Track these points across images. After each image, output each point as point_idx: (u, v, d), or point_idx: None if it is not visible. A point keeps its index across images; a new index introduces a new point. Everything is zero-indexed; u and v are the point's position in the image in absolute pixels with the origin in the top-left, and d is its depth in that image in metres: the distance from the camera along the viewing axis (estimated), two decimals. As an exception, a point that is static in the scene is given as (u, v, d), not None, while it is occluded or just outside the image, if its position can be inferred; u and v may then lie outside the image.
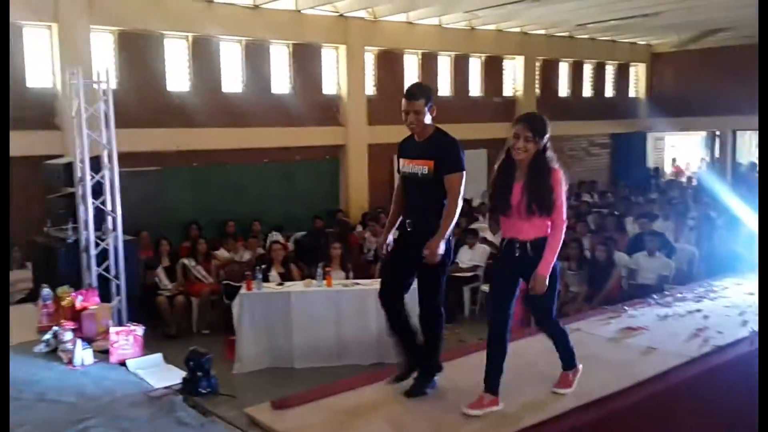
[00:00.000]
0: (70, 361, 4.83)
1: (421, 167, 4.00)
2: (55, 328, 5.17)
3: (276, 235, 10.17)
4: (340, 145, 12.40)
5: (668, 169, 19.71)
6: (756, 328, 4.92)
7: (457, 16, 12.98)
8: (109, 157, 6.70)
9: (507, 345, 4.00)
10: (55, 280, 6.04)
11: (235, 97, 11.07)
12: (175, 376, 4.49)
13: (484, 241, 9.53)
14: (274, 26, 11.16)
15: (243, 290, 7.17)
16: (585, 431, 3.93)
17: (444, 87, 14.09)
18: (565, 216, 3.78)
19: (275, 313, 7.04)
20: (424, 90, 4.05)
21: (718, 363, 4.68)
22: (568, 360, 4.17)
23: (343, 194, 12.59)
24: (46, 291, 5.69)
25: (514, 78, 15.45)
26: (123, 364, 4.80)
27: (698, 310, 5.75)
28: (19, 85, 9.05)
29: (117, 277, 6.68)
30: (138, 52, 10.04)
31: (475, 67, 14.65)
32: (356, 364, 6.81)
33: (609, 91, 17.97)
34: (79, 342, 4.91)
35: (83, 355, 4.84)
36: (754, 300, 5.50)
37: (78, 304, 5.46)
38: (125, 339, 4.89)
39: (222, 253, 9.57)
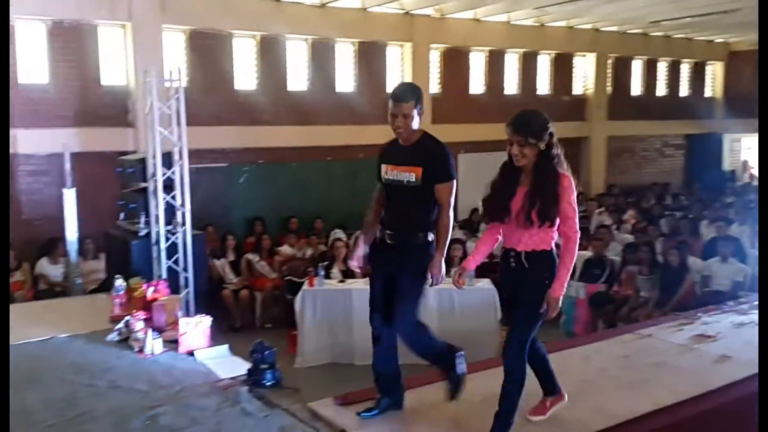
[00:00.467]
0: (141, 350, 4.99)
1: (407, 174, 3.66)
2: (127, 317, 5.35)
3: (338, 233, 10.21)
4: (404, 143, 12.34)
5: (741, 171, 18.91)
6: None
7: (525, 13, 12.75)
8: (180, 153, 6.86)
9: (541, 350, 3.74)
10: (127, 272, 6.24)
11: (301, 96, 11.18)
12: (241, 367, 4.59)
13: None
14: (340, 25, 11.21)
15: (305, 286, 7.23)
16: (654, 438, 3.79)
17: (511, 85, 13.86)
18: (577, 227, 3.39)
19: (336, 309, 7.07)
20: (414, 91, 3.69)
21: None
22: (548, 385, 3.79)
23: (406, 192, 12.52)
24: (119, 282, 5.88)
25: (584, 76, 15.07)
26: (191, 354, 4.93)
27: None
28: (94, 84, 9.38)
29: (185, 269, 6.84)
30: (207, 51, 10.25)
31: (544, 64, 14.35)
32: (416, 363, 6.74)
33: (684, 91, 17.33)
34: (150, 332, 5.07)
35: (154, 344, 4.99)
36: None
37: (149, 295, 5.64)
38: (193, 330, 5.01)
39: (285, 249, 9.69)
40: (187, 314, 5.97)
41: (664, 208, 12.65)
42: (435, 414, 3.95)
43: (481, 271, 8.06)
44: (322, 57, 11.35)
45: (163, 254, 6.69)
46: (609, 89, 15.37)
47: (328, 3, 10.86)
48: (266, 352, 4.39)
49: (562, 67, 14.59)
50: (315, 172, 11.48)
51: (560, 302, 3.37)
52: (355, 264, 3.97)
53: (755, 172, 18.45)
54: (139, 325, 5.18)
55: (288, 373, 6.20)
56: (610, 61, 15.36)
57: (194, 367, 4.75)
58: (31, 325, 5.83)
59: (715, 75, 18.04)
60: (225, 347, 5.08)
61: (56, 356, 5.10)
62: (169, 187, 6.80)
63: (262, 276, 9.01)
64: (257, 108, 10.69)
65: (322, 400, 4.10)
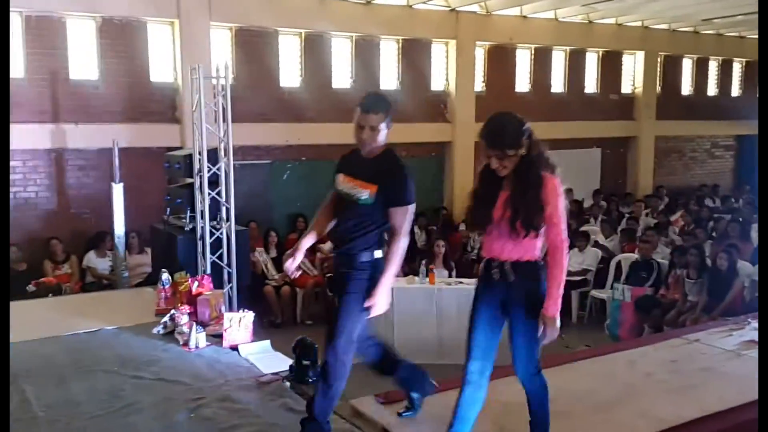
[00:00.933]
0: (186, 344, 5.06)
1: (361, 191, 3.42)
2: (172, 311, 5.42)
3: (380, 231, 10.20)
4: (447, 142, 12.28)
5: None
6: None
7: (573, 10, 12.53)
8: (225, 150, 6.92)
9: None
10: (173, 266, 6.33)
11: (344, 93, 11.18)
12: (283, 363, 4.63)
13: (596, 244, 9.14)
14: (385, 22, 11.18)
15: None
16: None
17: (558, 83, 13.63)
18: (565, 234, 3.09)
19: (377, 307, 7.04)
20: (385, 103, 3.45)
21: None
22: (540, 423, 3.47)
23: (447, 192, 12.46)
24: (165, 276, 5.97)
25: (633, 74, 14.74)
26: (234, 348, 4.98)
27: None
28: (143, 80, 9.54)
29: (229, 265, 6.90)
30: (253, 48, 10.34)
31: (592, 62, 14.09)
32: (457, 364, 6.68)
33: (735, 90, 16.81)
34: (194, 326, 5.13)
35: (198, 338, 5.06)
36: None
37: (193, 290, 5.70)
38: (237, 325, 5.05)
39: (326, 246, 9.71)
40: (230, 309, 6.02)
41: (713, 210, 12.32)
42: (478, 415, 3.89)
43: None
44: (365, 54, 11.35)
45: (208, 249, 6.77)
46: (658, 88, 15.02)
47: (372, 0, 10.85)
48: (309, 349, 4.41)
49: (610, 65, 14.30)
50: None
51: (557, 321, 3.08)
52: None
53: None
54: (183, 319, 5.25)
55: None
56: (659, 60, 14.99)
57: (237, 361, 4.80)
58: (79, 317, 5.96)
59: (769, 74, 17.45)
60: (267, 343, 5.11)
61: (103, 348, 5.20)
62: (214, 183, 6.87)
63: (303, 273, 9.05)
64: (301, 105, 10.74)
65: (364, 398, 4.10)
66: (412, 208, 3.46)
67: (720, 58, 16.23)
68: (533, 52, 13.18)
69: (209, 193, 6.80)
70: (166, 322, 5.42)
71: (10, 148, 8.52)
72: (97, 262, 8.61)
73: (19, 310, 6.53)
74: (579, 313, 8.57)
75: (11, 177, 8.62)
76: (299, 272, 3.75)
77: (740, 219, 10.44)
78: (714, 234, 9.79)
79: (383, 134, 3.43)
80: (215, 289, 5.94)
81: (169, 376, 4.55)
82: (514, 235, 3.06)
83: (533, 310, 3.10)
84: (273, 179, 10.75)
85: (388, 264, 3.42)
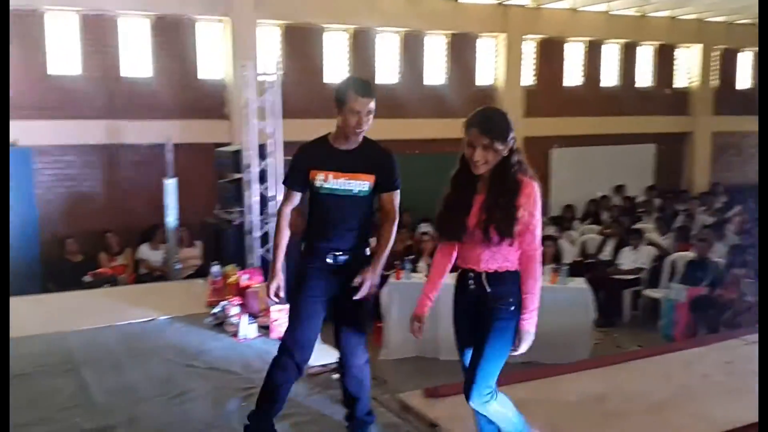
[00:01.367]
0: (236, 335, 5.15)
1: (359, 183, 3.29)
2: (223, 303, 5.52)
3: (425, 227, 10.15)
4: (494, 137, 12.13)
5: None
6: None
7: (626, 2, 12.23)
8: (274, 145, 6.99)
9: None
10: (222, 259, 6.44)
11: (390, 89, 11.17)
12: (330, 355, 4.64)
13: (650, 242, 8.92)
14: (432, 16, 11.13)
15: (392, 279, 7.22)
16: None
17: (610, 77, 13.35)
18: (539, 242, 2.89)
19: (423, 303, 7.00)
20: (374, 88, 3.37)
21: None
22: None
23: (495, 188, 12.32)
24: (215, 268, 6.08)
25: (688, 68, 14.34)
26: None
27: None
28: (193, 77, 9.71)
29: (279, 258, 6.96)
30: (301, 44, 10.41)
31: (645, 56, 13.75)
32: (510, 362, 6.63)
33: (797, 83, 16.17)
34: (244, 317, 5.21)
35: (248, 329, 5.15)
36: None
37: (243, 282, 5.79)
38: (284, 317, 5.09)
39: (373, 241, 9.72)
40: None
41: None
42: (529, 413, 3.84)
43: (576, 271, 7.84)
44: (412, 50, 11.32)
45: (257, 243, 6.85)
46: (714, 82, 14.57)
47: (419, -5, 10.82)
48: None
49: (665, 59, 13.94)
50: (402, 165, 11.34)
51: (532, 336, 2.89)
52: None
53: None
54: (234, 311, 5.34)
55: (374, 364, 6.23)
56: (716, 53, 14.54)
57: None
58: (133, 307, 6.12)
59: (833, 67, 16.76)
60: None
61: (157, 337, 5.33)
62: (262, 178, 6.95)
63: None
64: (348, 101, 10.76)
65: (412, 392, 4.10)
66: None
67: (781, 50, 15.65)
68: (585, 45, 12.94)
69: (258, 188, 6.88)
70: (216, 313, 5.52)
71: (67, 143, 8.82)
72: (150, 254, 8.81)
73: (76, 299, 6.78)
74: (631, 313, 8.37)
75: (67, 171, 8.89)
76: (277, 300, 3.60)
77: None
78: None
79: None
80: (264, 282, 6.01)
81: (220, 366, 4.67)
82: (488, 242, 2.83)
83: (506, 324, 2.89)
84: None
85: (380, 251, 3.37)
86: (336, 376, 4.41)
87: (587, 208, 12.09)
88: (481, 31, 11.78)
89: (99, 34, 8.99)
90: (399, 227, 10.94)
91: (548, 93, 12.46)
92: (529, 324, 2.88)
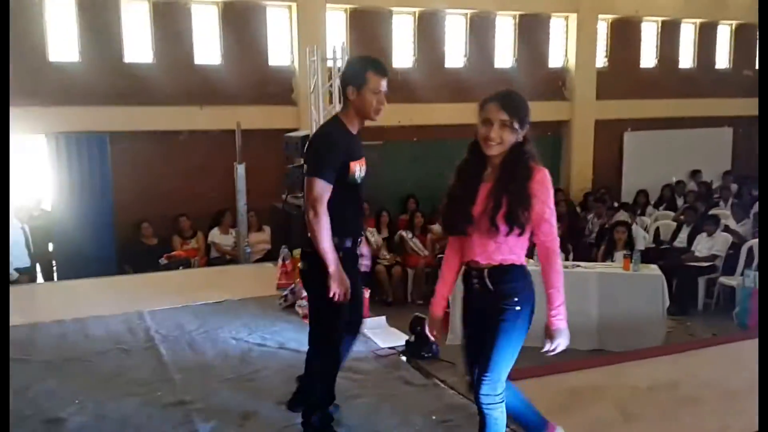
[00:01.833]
0: (306, 316, 5.22)
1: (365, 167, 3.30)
2: (293, 285, 5.63)
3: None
4: (565, 120, 11.88)
5: None
6: None
7: (704, -20, 11.76)
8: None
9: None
10: (290, 243, 6.54)
11: (458, 72, 11.07)
12: (398, 338, 4.72)
13: (726, 229, 8.58)
14: (500, -3, 10.95)
15: (459, 264, 7.18)
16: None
17: (686, 58, 12.85)
18: (556, 231, 2.71)
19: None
20: None
21: None
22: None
23: (564, 173, 12.08)
24: (285, 252, 6.19)
25: (769, 48, 13.64)
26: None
27: None
28: (261, 64, 9.84)
29: (343, 243, 7.04)
30: (367, 29, 10.41)
31: (724, 36, 13.15)
32: (573, 349, 6.52)
33: None
34: (314, 299, 5.28)
35: (317, 311, 5.21)
36: None
37: (311, 266, 5.84)
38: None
39: (438, 227, 9.70)
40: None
41: None
42: (599, 397, 3.79)
43: (649, 258, 7.63)
44: (480, 31, 11.15)
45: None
46: (799, 62, 13.80)
47: (488, -24, 10.64)
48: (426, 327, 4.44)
49: (744, 39, 13.29)
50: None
51: (566, 332, 2.75)
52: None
53: None
54: (303, 293, 5.43)
55: (441, 349, 6.26)
56: (801, 30, 13.76)
57: (355, 335, 4.92)
58: (207, 289, 6.31)
59: None
60: (382, 319, 5.22)
61: (230, 317, 5.49)
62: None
63: (414, 253, 9.09)
64: (414, 85, 10.72)
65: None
66: None
67: None
68: (660, 24, 12.47)
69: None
70: (287, 295, 5.64)
71: (141, 129, 9.11)
72: (221, 238, 9.04)
73: (152, 281, 7.03)
74: (705, 301, 8.09)
75: (141, 157, 9.17)
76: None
77: None
78: None
79: None
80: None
81: (291, 346, 4.79)
82: (494, 233, 2.63)
83: (510, 326, 2.75)
84: (385, 160, 10.81)
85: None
86: (404, 357, 4.48)
87: (661, 193, 11.72)
88: (552, 10, 11.51)
89: (170, 22, 9.22)
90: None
91: (621, 74, 12.09)
92: (559, 321, 2.72)
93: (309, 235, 3.18)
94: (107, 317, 5.57)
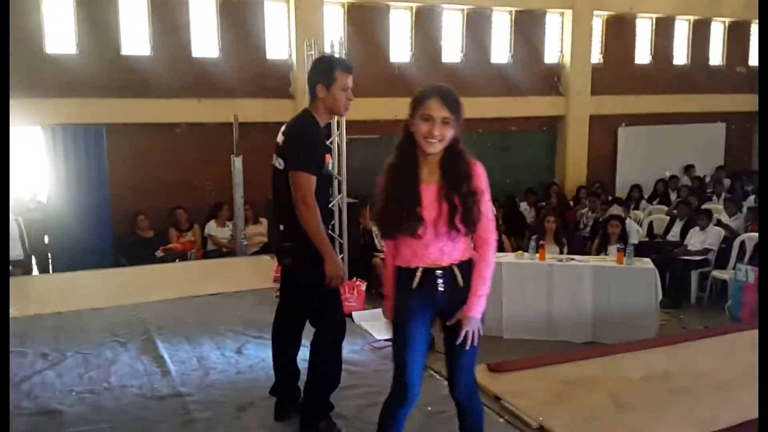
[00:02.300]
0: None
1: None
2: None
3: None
4: (560, 115, 11.93)
5: None
6: None
7: (698, -23, 11.80)
8: (338, 124, 7.06)
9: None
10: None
11: (454, 67, 11.09)
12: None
13: (719, 223, 8.65)
14: (497, -7, 10.98)
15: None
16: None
17: (680, 55, 12.90)
18: (494, 225, 2.70)
19: (485, 282, 7.00)
20: None
21: None
22: None
23: (559, 167, 12.14)
24: (282, 244, 6.19)
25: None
26: (348, 315, 5.14)
27: None
28: (260, 57, 9.84)
29: (341, 236, 7.07)
30: (365, 23, 10.42)
31: (718, 33, 13.20)
32: (567, 341, 6.58)
33: None
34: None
35: (314, 304, 5.24)
36: None
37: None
38: (351, 293, 5.20)
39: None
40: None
41: None
42: (593, 388, 3.84)
43: (643, 251, 7.69)
44: (477, 27, 11.17)
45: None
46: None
47: (484, -29, 10.66)
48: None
49: (738, 36, 13.35)
50: (465, 144, 11.33)
51: (479, 324, 2.70)
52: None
53: None
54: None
55: (439, 341, 6.31)
56: (795, 28, 13.83)
57: (351, 327, 4.94)
58: (203, 281, 6.35)
59: None
60: (379, 311, 5.23)
61: (227, 310, 5.53)
62: (327, 156, 7.01)
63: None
64: (410, 80, 10.74)
65: (476, 366, 4.12)
66: None
67: None
68: (654, 21, 12.52)
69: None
70: (283, 288, 5.65)
71: (138, 122, 9.10)
72: (218, 230, 9.06)
73: (148, 273, 7.06)
74: (698, 294, 8.16)
75: (138, 149, 9.17)
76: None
77: None
78: None
79: None
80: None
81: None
82: (455, 234, 2.61)
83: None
84: (381, 153, 10.82)
85: None
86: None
87: (655, 187, 11.79)
88: (548, 7, 11.53)
89: (168, 15, 9.20)
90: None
91: (616, 70, 12.14)
92: (476, 309, 2.66)
93: (303, 227, 3.21)
94: (103, 309, 5.61)
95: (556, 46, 11.82)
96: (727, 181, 12.05)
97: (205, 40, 9.53)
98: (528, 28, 11.52)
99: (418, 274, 2.66)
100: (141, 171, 9.17)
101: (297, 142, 3.28)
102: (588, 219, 9.82)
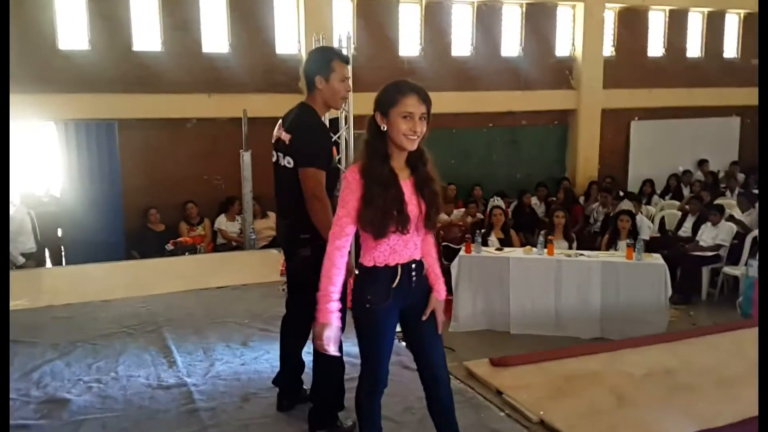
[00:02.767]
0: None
1: None
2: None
3: (497, 201, 10.10)
4: (571, 109, 11.87)
5: None
6: None
7: (712, -32, 11.68)
8: (346, 119, 7.07)
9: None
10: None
11: (464, 61, 11.07)
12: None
13: (731, 218, 8.58)
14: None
15: (462, 252, 7.24)
16: None
17: (694, 48, 12.77)
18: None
19: (493, 277, 7.01)
20: None
21: None
22: None
23: (570, 162, 12.09)
24: (290, 238, 6.23)
25: (779, 37, 13.53)
26: (349, 308, 5.15)
27: None
28: (269, 52, 9.86)
29: (347, 229, 7.10)
30: (375, 17, 10.42)
31: (732, 25, 13.06)
32: (575, 337, 6.58)
33: None
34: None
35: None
36: None
37: (315, 251, 5.92)
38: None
39: (442, 215, 9.76)
40: (350, 272, 6.21)
41: None
42: (595, 383, 3.84)
43: (654, 247, 7.65)
44: (487, 20, 11.14)
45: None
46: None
47: (495, -35, 10.61)
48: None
49: (753, 28, 13.18)
50: (475, 138, 11.40)
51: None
52: None
53: None
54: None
55: (444, 335, 6.31)
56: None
57: (351, 320, 4.98)
58: (212, 274, 6.40)
59: None
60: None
61: (234, 302, 5.58)
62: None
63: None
64: (420, 74, 10.71)
65: (478, 360, 4.15)
66: None
67: None
68: (667, 13, 12.41)
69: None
70: (289, 281, 5.69)
71: (152, 116, 9.18)
72: (228, 225, 9.13)
73: (158, 266, 7.13)
74: (709, 290, 8.11)
75: (150, 144, 9.25)
76: None
77: None
78: None
79: None
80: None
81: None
82: (430, 230, 2.74)
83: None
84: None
85: None
86: (403, 343, 4.51)
87: (667, 182, 11.71)
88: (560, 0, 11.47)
89: (179, 10, 9.26)
90: (470, 201, 10.96)
91: (630, 63, 12.05)
92: (444, 292, 2.87)
93: (314, 222, 3.21)
94: (113, 301, 5.67)
95: (567, 39, 11.76)
96: (741, 176, 11.94)
97: (216, 36, 9.58)
98: (539, 21, 11.46)
99: (399, 271, 2.69)
100: (152, 165, 9.26)
101: (306, 140, 3.26)
102: (599, 214, 9.78)
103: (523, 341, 6.57)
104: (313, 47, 7.54)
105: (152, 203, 9.09)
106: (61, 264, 8.53)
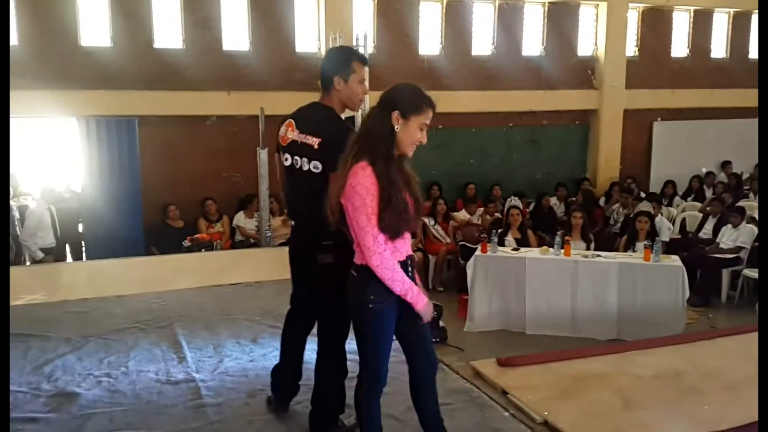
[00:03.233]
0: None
1: None
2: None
3: (515, 201, 10.03)
4: (592, 109, 11.74)
5: None
6: None
7: (738, -34, 11.48)
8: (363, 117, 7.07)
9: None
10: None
11: (484, 60, 11.01)
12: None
13: (752, 220, 8.43)
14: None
15: (478, 252, 7.20)
16: None
17: (719, 49, 12.57)
18: None
19: (509, 277, 6.96)
20: None
21: None
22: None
23: (591, 162, 11.97)
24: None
25: (807, 37, 13.26)
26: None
27: None
28: (289, 50, 9.90)
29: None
30: (395, 16, 10.40)
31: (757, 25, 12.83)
32: (591, 338, 6.51)
33: None
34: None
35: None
36: None
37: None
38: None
39: (460, 214, 9.72)
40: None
41: None
42: (602, 384, 3.80)
43: (674, 249, 7.55)
44: (509, 20, 11.07)
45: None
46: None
47: (517, -37, 10.53)
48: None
49: (782, 27, 12.94)
50: (495, 138, 11.34)
51: None
52: None
53: None
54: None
55: (457, 336, 6.31)
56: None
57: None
58: (227, 271, 6.45)
59: None
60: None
61: (247, 299, 5.62)
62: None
63: (436, 240, 9.13)
64: (440, 73, 10.70)
65: (485, 360, 4.14)
66: None
67: None
68: (692, 14, 12.23)
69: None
70: (301, 278, 5.70)
71: (173, 113, 9.26)
72: (246, 222, 9.18)
73: (175, 262, 7.19)
74: (729, 293, 7.98)
75: (170, 141, 9.33)
76: None
77: None
78: None
79: None
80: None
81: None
82: (416, 226, 2.84)
83: None
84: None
85: None
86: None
87: (690, 184, 11.54)
88: (582, -1, 11.38)
89: (200, 8, 9.33)
90: (489, 200, 10.90)
91: (651, 64, 11.90)
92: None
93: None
94: (128, 297, 5.74)
95: (589, 39, 11.64)
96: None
97: (236, 34, 9.63)
98: (561, 20, 11.36)
99: (407, 264, 2.78)
100: (172, 162, 9.34)
101: (337, 144, 3.07)
102: (619, 215, 9.67)
103: (538, 342, 6.51)
104: (331, 44, 7.61)
105: (172, 199, 9.17)
106: (81, 259, 8.65)
